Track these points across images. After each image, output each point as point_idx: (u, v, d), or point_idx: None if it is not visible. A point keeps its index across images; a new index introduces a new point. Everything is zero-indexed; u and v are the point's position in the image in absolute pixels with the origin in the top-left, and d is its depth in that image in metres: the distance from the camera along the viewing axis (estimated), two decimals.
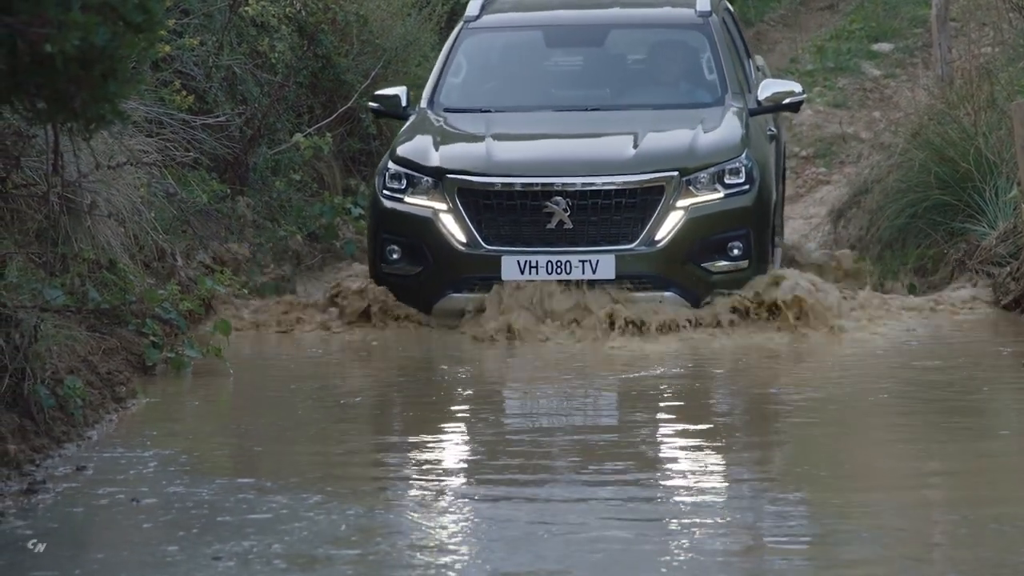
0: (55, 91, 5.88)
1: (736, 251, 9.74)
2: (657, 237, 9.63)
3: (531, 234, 9.60)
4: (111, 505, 6.02)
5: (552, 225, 9.58)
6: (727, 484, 6.43)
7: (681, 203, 9.68)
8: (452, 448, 7.10)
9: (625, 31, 11.05)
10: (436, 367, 8.87)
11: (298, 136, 11.68)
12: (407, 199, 9.79)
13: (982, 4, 12.60)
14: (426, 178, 9.77)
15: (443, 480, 6.48)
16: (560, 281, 9.47)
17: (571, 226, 9.56)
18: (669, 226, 9.62)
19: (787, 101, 10.55)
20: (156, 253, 9.58)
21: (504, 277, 9.53)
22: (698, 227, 9.65)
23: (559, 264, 9.52)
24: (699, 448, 7.04)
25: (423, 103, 10.61)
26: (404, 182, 9.82)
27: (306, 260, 11.52)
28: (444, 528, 5.68)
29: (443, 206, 9.69)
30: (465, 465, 6.78)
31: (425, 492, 6.25)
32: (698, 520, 5.82)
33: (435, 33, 13.99)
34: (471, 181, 9.70)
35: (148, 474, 6.45)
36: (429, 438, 7.24)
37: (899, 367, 8.77)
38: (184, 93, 10.00)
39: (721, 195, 9.76)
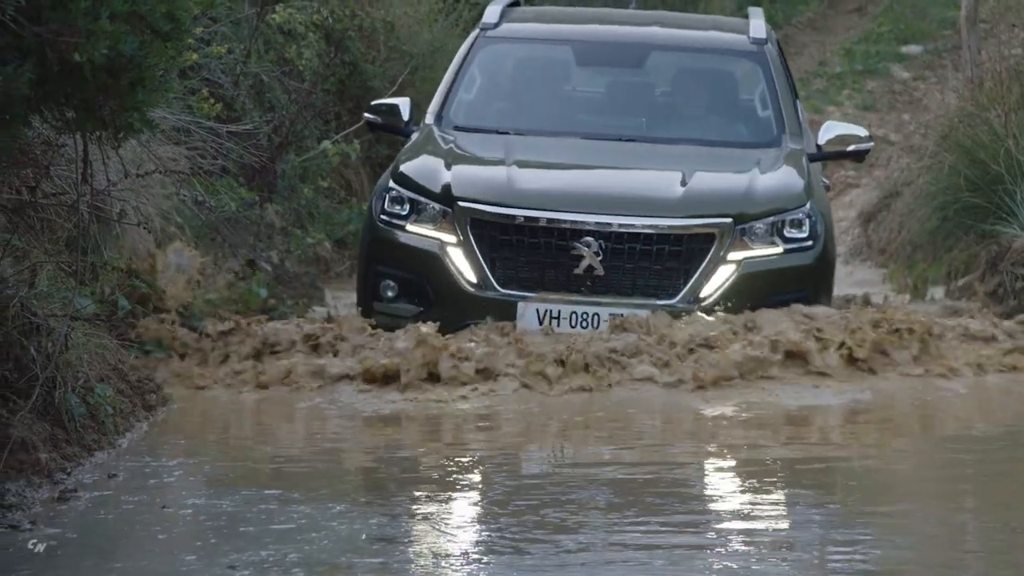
0: (84, 100, 5.90)
1: None
2: (703, 294, 8.34)
3: (554, 278, 8.35)
4: (135, 514, 6.03)
5: (580, 270, 8.32)
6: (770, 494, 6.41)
7: (733, 256, 8.34)
8: (480, 458, 7.05)
9: (668, 54, 9.66)
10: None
11: (326, 143, 11.70)
12: (409, 227, 8.53)
13: (1012, 5, 12.54)
14: (433, 204, 8.49)
15: (470, 489, 6.47)
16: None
17: (602, 272, 8.30)
18: (718, 282, 8.32)
19: (852, 148, 9.23)
20: None
21: (520, 327, 8.24)
22: (752, 286, 8.30)
23: (585, 316, 8.24)
24: (732, 456, 7.02)
25: (429, 119, 9.33)
26: (407, 207, 8.56)
27: (334, 267, 11.53)
28: (469, 538, 5.65)
29: (452, 239, 8.42)
30: (492, 475, 6.75)
31: (452, 501, 6.24)
32: (733, 527, 5.81)
33: (462, 39, 14.00)
34: (488, 211, 8.41)
35: (173, 483, 6.46)
36: (457, 447, 7.22)
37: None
38: (212, 101, 10.01)
39: (780, 250, 8.42)
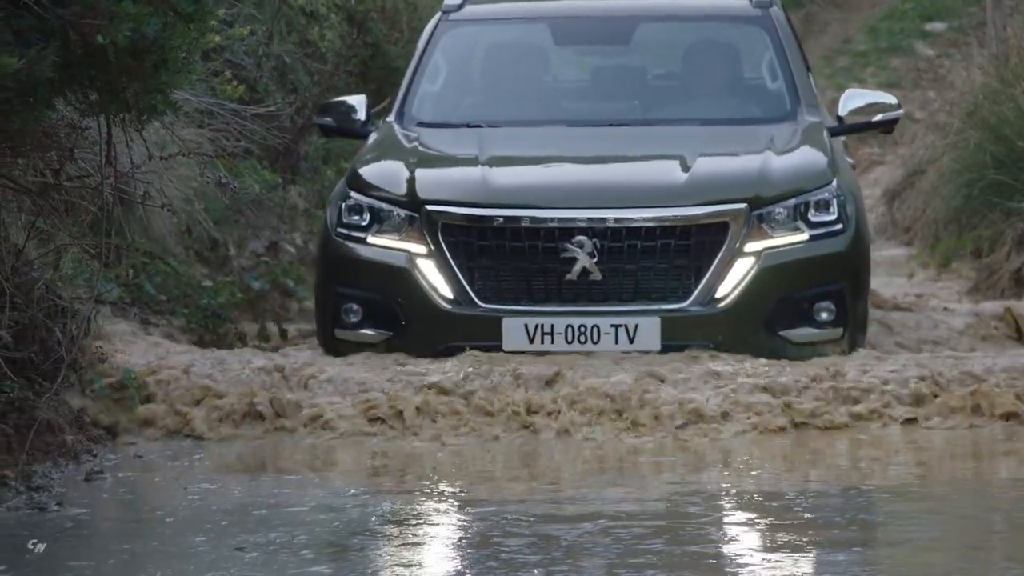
0: (107, 82, 5.91)
1: (825, 314, 7.39)
2: (719, 294, 7.30)
3: (544, 288, 7.29)
4: (155, 495, 6.08)
5: (573, 275, 7.25)
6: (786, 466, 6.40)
7: (751, 247, 7.31)
8: (497, 444, 6.97)
9: (659, 25, 8.63)
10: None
11: None
12: (371, 239, 7.45)
13: None
14: (397, 210, 7.43)
15: (487, 474, 6.46)
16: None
17: (599, 277, 7.25)
18: (735, 278, 7.29)
19: (879, 118, 8.10)
20: (209, 243, 9.63)
21: (506, 347, 7.22)
22: (775, 280, 7.28)
23: (582, 330, 7.20)
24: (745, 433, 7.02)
25: (390, 116, 8.28)
26: (367, 216, 7.48)
27: None
28: (484, 521, 5.64)
29: (421, 249, 7.35)
30: (507, 463, 6.72)
31: (468, 486, 6.23)
32: (747, 501, 5.81)
33: None
34: (461, 215, 7.34)
35: (195, 465, 6.49)
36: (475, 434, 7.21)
37: None
38: (235, 83, 10.02)
39: (806, 237, 7.38)
